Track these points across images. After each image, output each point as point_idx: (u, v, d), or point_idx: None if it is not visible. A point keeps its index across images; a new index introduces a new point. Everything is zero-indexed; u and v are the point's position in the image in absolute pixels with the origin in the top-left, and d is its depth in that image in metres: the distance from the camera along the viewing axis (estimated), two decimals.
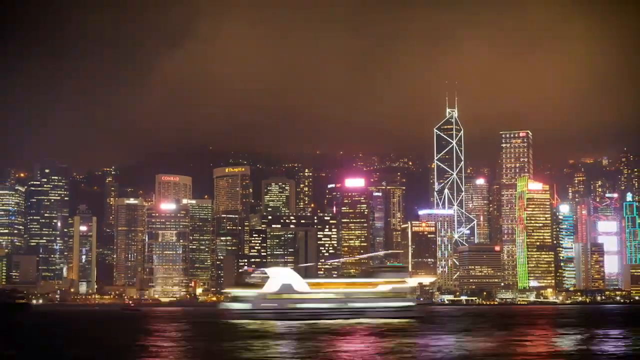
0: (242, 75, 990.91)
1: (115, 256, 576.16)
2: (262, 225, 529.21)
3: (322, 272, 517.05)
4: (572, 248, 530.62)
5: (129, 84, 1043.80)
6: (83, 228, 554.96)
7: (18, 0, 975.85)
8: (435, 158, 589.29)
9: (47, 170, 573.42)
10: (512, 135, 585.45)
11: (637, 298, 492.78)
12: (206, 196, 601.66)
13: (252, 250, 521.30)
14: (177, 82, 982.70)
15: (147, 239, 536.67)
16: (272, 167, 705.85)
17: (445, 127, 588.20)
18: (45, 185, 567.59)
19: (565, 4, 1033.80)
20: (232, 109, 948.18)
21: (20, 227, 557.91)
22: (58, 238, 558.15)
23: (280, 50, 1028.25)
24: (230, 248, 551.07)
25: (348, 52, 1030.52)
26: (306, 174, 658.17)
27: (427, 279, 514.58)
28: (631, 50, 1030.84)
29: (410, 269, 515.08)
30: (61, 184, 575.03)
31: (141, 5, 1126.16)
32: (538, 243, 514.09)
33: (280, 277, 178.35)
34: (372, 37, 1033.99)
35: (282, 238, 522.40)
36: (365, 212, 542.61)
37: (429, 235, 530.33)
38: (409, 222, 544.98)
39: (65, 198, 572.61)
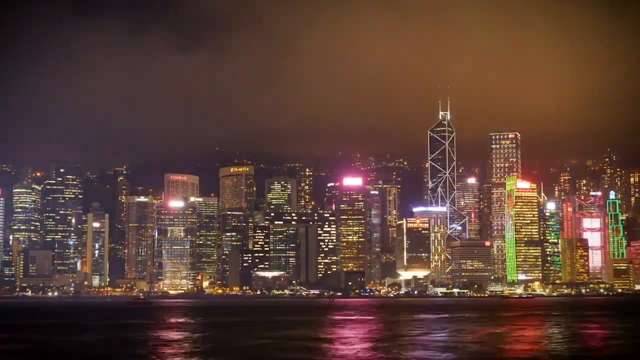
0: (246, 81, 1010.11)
1: (126, 251, 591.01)
2: (265, 222, 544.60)
3: (321, 267, 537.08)
4: (558, 243, 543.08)
5: (138, 88, 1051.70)
6: (96, 224, 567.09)
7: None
8: (429, 158, 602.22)
9: (62, 170, 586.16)
10: (501, 137, 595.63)
11: (619, 290, 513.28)
12: (212, 194, 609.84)
13: (255, 246, 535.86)
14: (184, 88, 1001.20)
15: (156, 234, 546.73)
16: (274, 167, 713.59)
17: (439, 129, 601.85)
18: (60, 184, 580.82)
19: (552, 8, 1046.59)
20: (236, 112, 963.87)
21: (37, 223, 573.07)
22: (72, 234, 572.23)
23: (280, 55, 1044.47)
24: (235, 243, 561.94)
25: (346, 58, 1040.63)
26: (307, 173, 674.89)
27: (421, 273, 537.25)
28: (617, 54, 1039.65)
29: (405, 263, 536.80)
30: (75, 182, 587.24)
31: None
32: (526, 239, 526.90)
33: None
34: (371, 41, 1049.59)
35: (284, 234, 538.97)
36: (363, 210, 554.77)
37: (423, 231, 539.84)
38: (404, 219, 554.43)
39: (79, 196, 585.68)
